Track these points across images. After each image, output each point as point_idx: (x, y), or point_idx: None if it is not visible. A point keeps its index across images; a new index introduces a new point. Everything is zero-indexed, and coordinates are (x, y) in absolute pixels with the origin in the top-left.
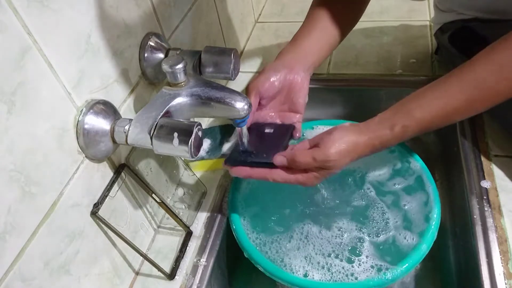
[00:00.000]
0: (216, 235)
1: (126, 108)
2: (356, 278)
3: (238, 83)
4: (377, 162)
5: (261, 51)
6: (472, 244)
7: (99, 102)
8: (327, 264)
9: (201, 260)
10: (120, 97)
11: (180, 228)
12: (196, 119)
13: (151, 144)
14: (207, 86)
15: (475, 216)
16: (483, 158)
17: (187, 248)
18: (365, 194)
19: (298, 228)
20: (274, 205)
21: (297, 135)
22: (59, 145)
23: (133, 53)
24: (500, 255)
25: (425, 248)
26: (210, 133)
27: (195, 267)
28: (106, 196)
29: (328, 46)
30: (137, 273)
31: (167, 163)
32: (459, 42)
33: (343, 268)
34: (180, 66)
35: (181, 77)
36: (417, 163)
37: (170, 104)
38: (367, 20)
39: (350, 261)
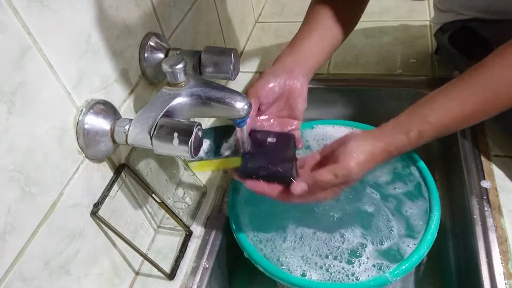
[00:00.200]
0: (216, 235)
1: (126, 108)
2: (357, 278)
3: (238, 83)
4: None
5: (261, 51)
6: (472, 244)
7: (99, 102)
8: (325, 264)
9: (201, 260)
10: (120, 97)
11: (180, 228)
12: (196, 119)
13: (151, 144)
14: (207, 86)
15: (475, 216)
16: (483, 158)
17: (187, 248)
18: (367, 196)
19: (299, 228)
20: (275, 205)
21: (300, 146)
22: (59, 145)
23: (133, 53)
24: (500, 255)
25: (425, 248)
26: (210, 133)
27: (195, 267)
28: (106, 196)
29: (329, 48)
30: (137, 273)
31: (167, 163)
32: (459, 42)
33: (343, 268)
34: (180, 66)
35: (181, 77)
36: (417, 163)
37: (170, 104)
38: (367, 20)
39: (350, 262)
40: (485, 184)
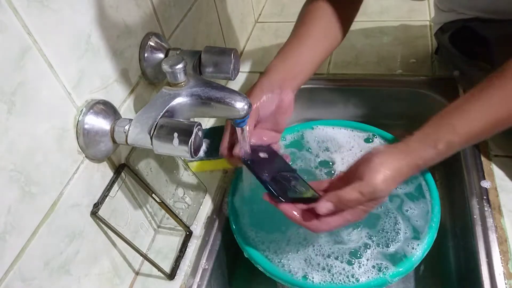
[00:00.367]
0: (216, 235)
1: (126, 108)
2: (357, 280)
3: (238, 83)
4: None
5: (261, 51)
6: (472, 244)
7: (99, 102)
8: (327, 265)
9: (201, 260)
10: (120, 97)
11: (180, 228)
12: (196, 119)
13: (151, 144)
14: (207, 86)
15: (475, 216)
16: (483, 158)
17: (187, 248)
18: None
19: (299, 228)
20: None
21: (288, 160)
22: (59, 145)
23: (133, 53)
24: (500, 255)
25: (425, 248)
26: (210, 133)
27: (195, 267)
28: (106, 196)
29: (320, 60)
30: (137, 273)
31: (167, 163)
32: (459, 42)
33: (343, 269)
34: (180, 66)
35: (181, 77)
36: None
37: (170, 104)
38: (367, 20)
39: (350, 263)
40: (485, 184)
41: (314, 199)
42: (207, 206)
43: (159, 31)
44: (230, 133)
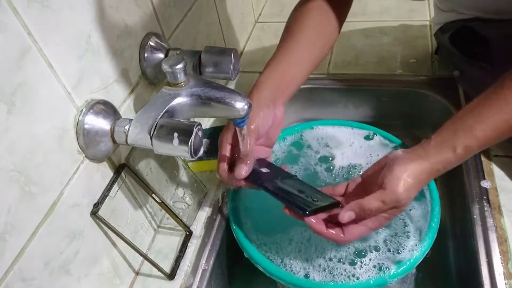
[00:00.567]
0: (216, 235)
1: (126, 108)
2: (357, 279)
3: (238, 83)
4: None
5: (261, 51)
6: (472, 244)
7: (99, 102)
8: (328, 266)
9: (201, 260)
10: (120, 97)
11: (180, 228)
12: (196, 119)
13: (151, 144)
14: (207, 86)
15: (475, 216)
16: (483, 158)
17: (187, 248)
18: None
19: (299, 228)
20: (275, 205)
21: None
22: (59, 145)
23: (133, 53)
24: (500, 255)
25: (424, 248)
26: (210, 133)
27: (195, 267)
28: (106, 196)
29: (311, 69)
30: (137, 273)
31: (167, 163)
32: (459, 41)
33: (345, 270)
34: (180, 66)
35: (181, 77)
36: None
37: (170, 104)
38: (367, 20)
39: (353, 263)
40: (485, 184)
41: (332, 206)
42: (207, 206)
43: (159, 31)
44: (226, 152)
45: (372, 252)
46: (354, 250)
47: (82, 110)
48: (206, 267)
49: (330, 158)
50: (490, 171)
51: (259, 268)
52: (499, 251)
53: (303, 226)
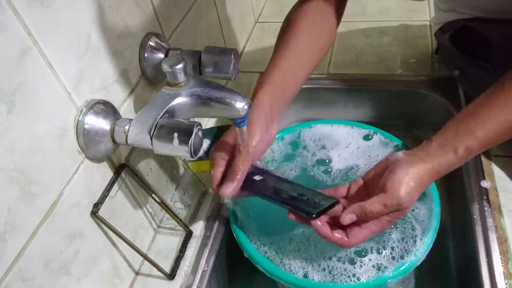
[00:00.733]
0: (216, 235)
1: (126, 108)
2: (358, 279)
3: (238, 83)
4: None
5: (261, 51)
6: (472, 244)
7: (99, 102)
8: (328, 266)
9: (201, 260)
10: (120, 97)
11: (180, 228)
12: (196, 119)
13: (151, 144)
14: (207, 86)
15: (475, 216)
16: (483, 158)
17: (187, 248)
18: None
19: (298, 227)
20: (275, 205)
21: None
22: (59, 145)
23: (133, 53)
24: (500, 255)
25: (424, 248)
26: (210, 133)
27: (195, 267)
28: (106, 196)
29: (305, 78)
30: (137, 273)
31: (167, 163)
32: (459, 41)
33: (344, 270)
34: (180, 66)
35: (181, 77)
36: None
37: (170, 104)
38: (367, 20)
39: (352, 262)
40: (485, 184)
41: (332, 205)
42: (207, 206)
43: (159, 31)
44: (219, 168)
45: (372, 253)
46: (353, 250)
47: (82, 110)
48: (206, 267)
49: (327, 161)
50: (490, 171)
51: (259, 268)
52: (499, 251)
53: (302, 225)
